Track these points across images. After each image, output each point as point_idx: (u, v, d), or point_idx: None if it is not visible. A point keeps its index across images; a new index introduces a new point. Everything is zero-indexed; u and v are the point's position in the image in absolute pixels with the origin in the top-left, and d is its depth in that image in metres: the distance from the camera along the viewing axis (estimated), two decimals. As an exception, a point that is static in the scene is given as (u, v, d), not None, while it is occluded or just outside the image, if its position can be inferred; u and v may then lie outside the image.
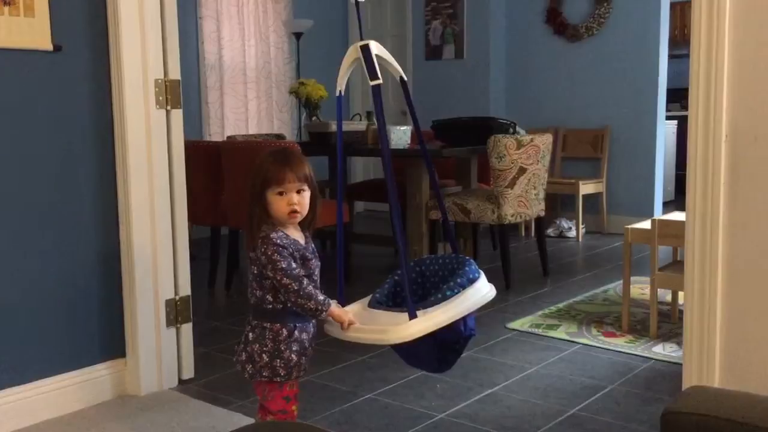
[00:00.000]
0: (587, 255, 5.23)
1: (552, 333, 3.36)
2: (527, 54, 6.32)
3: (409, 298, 1.80)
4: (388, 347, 1.92)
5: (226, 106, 6.31)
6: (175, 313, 2.73)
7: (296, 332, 1.88)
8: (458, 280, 1.85)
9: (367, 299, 1.97)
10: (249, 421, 2.31)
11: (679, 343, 3.03)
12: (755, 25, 2.02)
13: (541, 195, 4.30)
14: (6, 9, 2.30)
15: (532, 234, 5.50)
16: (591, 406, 2.55)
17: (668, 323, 3.44)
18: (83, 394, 2.54)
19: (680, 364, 2.33)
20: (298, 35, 6.28)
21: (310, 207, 1.89)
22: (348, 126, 4.97)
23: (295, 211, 1.85)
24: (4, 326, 2.38)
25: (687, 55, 2.24)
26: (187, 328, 2.79)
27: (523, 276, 4.46)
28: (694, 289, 2.16)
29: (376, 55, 1.89)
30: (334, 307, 1.86)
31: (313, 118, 5.11)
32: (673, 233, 3.07)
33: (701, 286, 2.14)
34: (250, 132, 6.30)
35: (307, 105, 5.18)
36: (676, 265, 3.32)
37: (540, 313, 3.68)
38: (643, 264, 4.21)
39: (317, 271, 1.93)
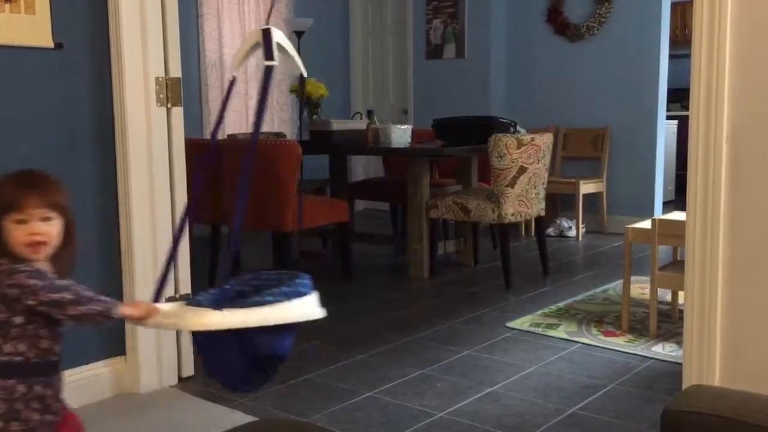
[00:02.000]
0: (587, 254, 5.23)
1: (552, 332, 3.36)
2: (528, 53, 6.32)
3: (223, 288, 1.64)
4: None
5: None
6: (175, 311, 2.73)
7: (37, 387, 1.56)
8: (284, 289, 1.66)
9: (185, 301, 1.75)
10: (249, 419, 2.31)
11: (679, 343, 3.03)
12: (756, 24, 2.02)
13: (542, 194, 4.31)
14: (7, 6, 2.30)
15: (533, 233, 5.50)
16: (591, 405, 2.55)
17: (668, 323, 3.44)
18: (83, 392, 2.54)
19: (680, 364, 2.33)
20: (299, 34, 6.28)
21: (65, 242, 1.58)
22: (348, 125, 4.97)
23: (39, 243, 1.52)
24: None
25: (687, 55, 2.24)
26: (187, 326, 2.79)
27: (523, 275, 4.46)
28: (695, 288, 2.16)
29: (278, 44, 1.85)
30: (123, 306, 1.57)
31: (314, 117, 5.11)
32: (674, 233, 3.07)
33: (701, 286, 2.14)
34: (251, 131, 6.29)
35: (307, 103, 5.18)
36: (677, 264, 3.32)
37: (540, 312, 3.68)
38: (643, 264, 4.21)
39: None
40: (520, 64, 6.37)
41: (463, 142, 4.37)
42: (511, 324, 3.49)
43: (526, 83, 6.34)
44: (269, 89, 1.79)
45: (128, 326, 2.64)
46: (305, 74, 1.96)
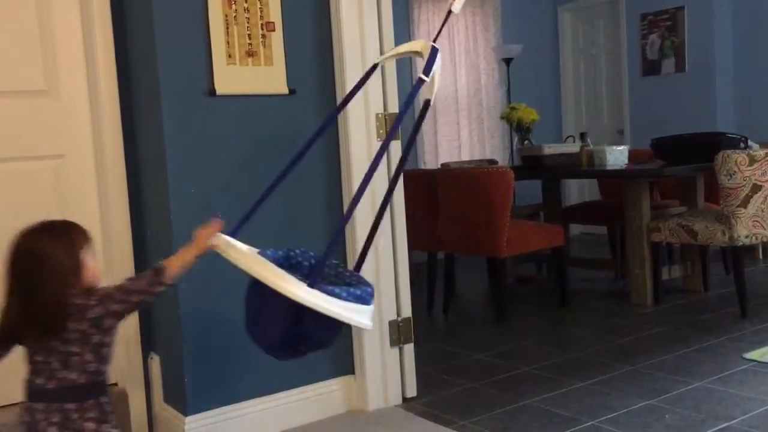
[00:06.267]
0: (840, 279, 4.67)
1: (798, 365, 3.04)
2: (760, 61, 5.83)
3: (288, 253, 1.78)
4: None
5: (439, 135, 6.51)
6: (398, 333, 2.87)
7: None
8: (353, 291, 1.67)
9: (255, 250, 1.81)
10: (470, 441, 2.35)
11: None
12: None
13: (781, 213, 3.93)
14: (250, 60, 2.60)
15: (771, 256, 5.02)
16: None
17: None
18: (318, 407, 2.74)
19: None
20: (507, 61, 6.33)
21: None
22: (560, 149, 4.91)
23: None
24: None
25: None
26: (409, 349, 2.91)
27: (761, 302, 4.08)
28: None
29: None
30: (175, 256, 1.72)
31: (525, 142, 5.12)
32: None
33: None
34: (463, 158, 6.43)
35: (518, 129, 5.21)
36: None
37: (783, 342, 3.35)
38: None
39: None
40: (751, 74, 5.89)
41: (687, 161, 4.13)
42: (748, 355, 3.21)
43: (759, 94, 5.84)
44: (414, 99, 1.84)
45: (356, 347, 2.81)
46: (432, 100, 1.94)
